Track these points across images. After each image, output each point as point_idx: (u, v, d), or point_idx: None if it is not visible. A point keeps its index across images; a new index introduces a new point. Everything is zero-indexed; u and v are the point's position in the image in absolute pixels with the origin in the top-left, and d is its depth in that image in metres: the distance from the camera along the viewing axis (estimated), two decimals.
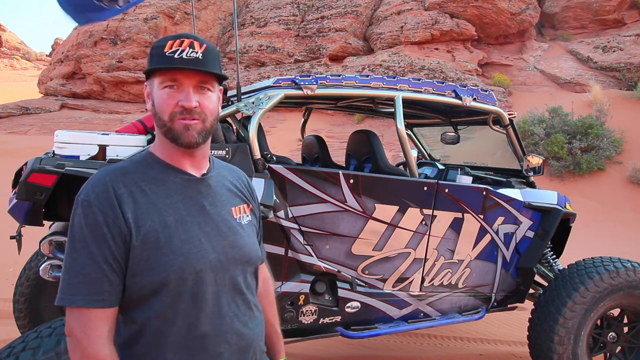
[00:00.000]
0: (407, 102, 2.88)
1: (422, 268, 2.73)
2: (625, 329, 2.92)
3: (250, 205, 1.19)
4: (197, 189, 1.07)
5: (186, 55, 1.01)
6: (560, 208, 3.03)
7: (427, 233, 2.69)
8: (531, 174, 3.15)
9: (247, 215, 1.16)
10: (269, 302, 1.32)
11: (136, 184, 1.01)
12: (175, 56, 1.01)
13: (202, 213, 1.05)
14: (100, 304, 0.95)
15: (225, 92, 2.55)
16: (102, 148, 2.17)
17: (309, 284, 2.46)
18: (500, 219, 2.91)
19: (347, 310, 2.55)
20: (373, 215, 2.54)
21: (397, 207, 2.59)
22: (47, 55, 42.47)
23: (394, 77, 2.72)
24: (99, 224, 0.96)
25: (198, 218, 1.04)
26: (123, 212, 0.97)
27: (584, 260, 2.90)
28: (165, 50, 1.01)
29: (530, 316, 2.87)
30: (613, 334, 2.86)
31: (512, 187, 3.07)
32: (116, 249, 0.96)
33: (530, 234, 3.02)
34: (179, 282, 0.98)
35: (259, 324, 1.14)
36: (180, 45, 1.02)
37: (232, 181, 1.18)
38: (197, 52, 1.02)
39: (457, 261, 2.83)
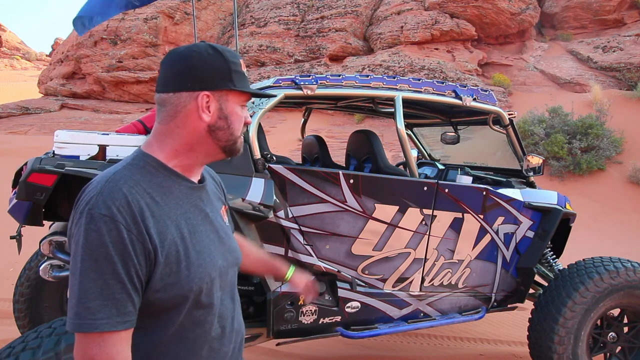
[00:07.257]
0: (407, 102, 2.87)
1: (422, 268, 2.73)
2: (625, 329, 2.92)
3: (226, 207, 1.21)
4: (199, 196, 1.06)
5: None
6: (560, 208, 3.03)
7: (427, 233, 2.69)
8: (531, 174, 3.15)
9: (227, 216, 1.19)
10: (253, 248, 1.46)
11: (149, 194, 0.95)
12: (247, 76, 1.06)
13: (206, 221, 1.05)
14: (124, 325, 0.88)
15: None
16: (102, 148, 2.17)
17: None
18: (500, 219, 2.91)
19: (347, 310, 2.55)
20: (373, 215, 2.54)
21: (397, 207, 2.58)
22: (47, 55, 42.47)
23: (394, 77, 2.72)
24: (124, 240, 0.88)
25: (204, 226, 1.04)
26: (146, 227, 0.91)
27: (584, 260, 2.90)
28: (243, 69, 1.04)
29: (530, 316, 2.87)
30: (613, 334, 2.86)
31: (512, 187, 3.07)
32: (139, 267, 0.90)
33: (530, 234, 3.02)
34: (197, 292, 0.98)
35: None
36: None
37: (213, 183, 1.18)
38: None
39: (457, 261, 2.83)
